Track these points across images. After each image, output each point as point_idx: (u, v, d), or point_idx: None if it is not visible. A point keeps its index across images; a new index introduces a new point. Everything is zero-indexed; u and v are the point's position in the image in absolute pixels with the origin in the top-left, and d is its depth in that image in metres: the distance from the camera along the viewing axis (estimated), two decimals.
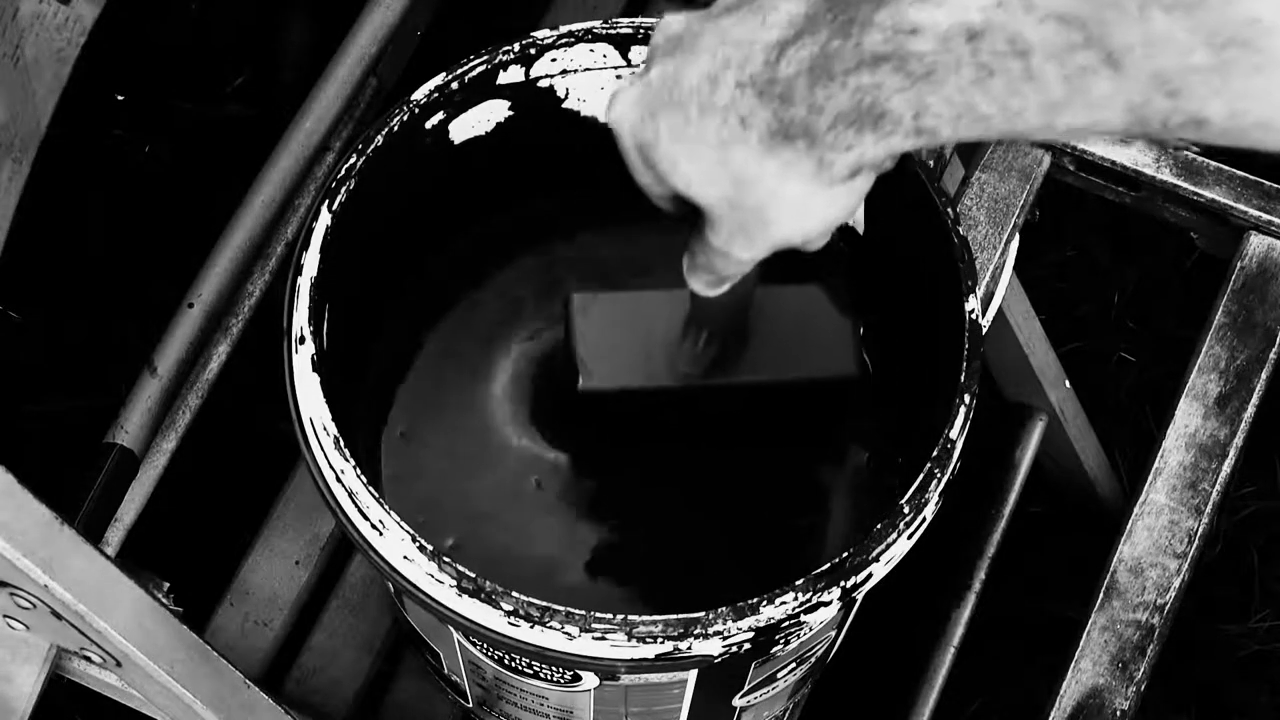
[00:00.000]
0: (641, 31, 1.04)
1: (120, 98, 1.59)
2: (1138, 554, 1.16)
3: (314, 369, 0.96)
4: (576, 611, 0.90)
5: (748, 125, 0.75)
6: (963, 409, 0.97)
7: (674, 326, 1.01)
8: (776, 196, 0.77)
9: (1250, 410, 1.19)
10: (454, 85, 1.03)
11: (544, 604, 0.90)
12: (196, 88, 1.60)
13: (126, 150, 1.58)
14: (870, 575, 0.93)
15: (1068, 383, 1.44)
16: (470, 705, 1.15)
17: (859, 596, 0.94)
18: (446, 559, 0.91)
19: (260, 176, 1.18)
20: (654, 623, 0.90)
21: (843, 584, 0.93)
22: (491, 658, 1.01)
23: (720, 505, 1.07)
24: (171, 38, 1.61)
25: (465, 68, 1.03)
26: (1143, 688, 1.12)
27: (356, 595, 1.20)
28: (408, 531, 0.92)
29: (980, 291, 1.10)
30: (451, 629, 1.00)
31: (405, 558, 0.92)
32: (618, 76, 1.07)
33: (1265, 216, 1.22)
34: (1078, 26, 0.65)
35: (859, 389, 1.06)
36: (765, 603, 0.91)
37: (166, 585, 1.09)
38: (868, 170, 0.76)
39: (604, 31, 1.04)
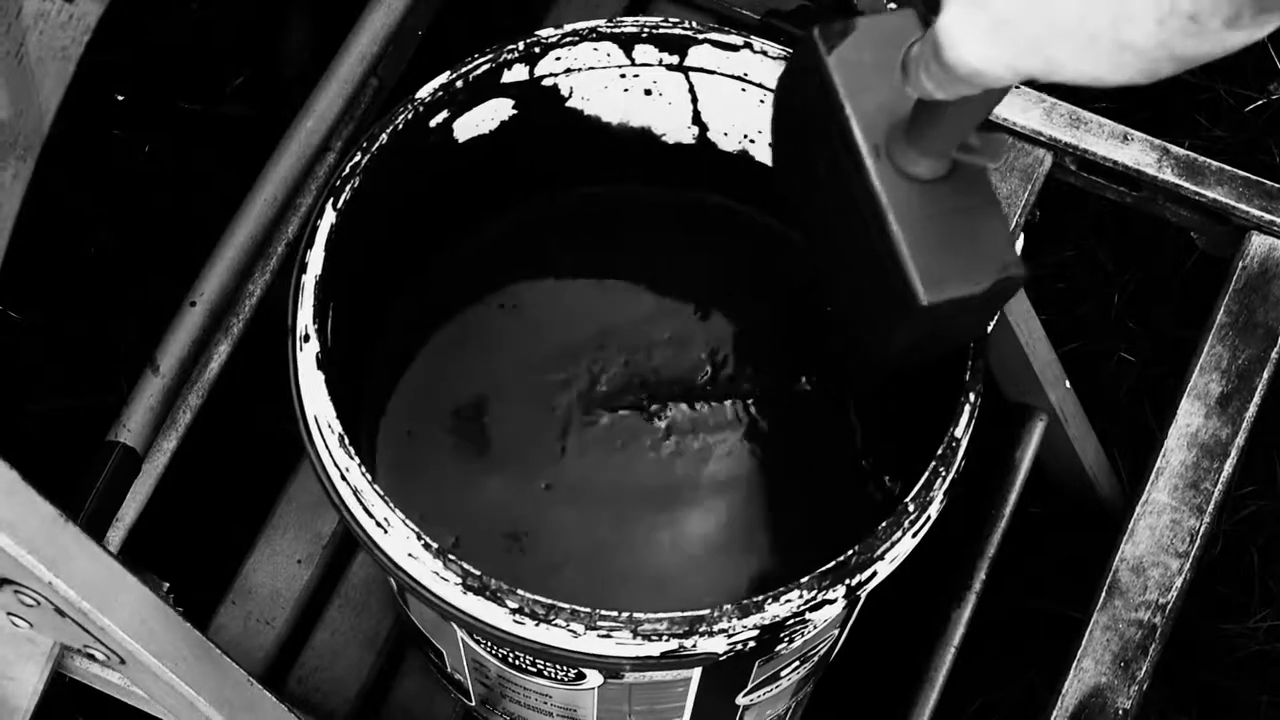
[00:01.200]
0: (645, 31, 1.04)
1: (120, 98, 1.59)
2: (1140, 553, 1.16)
3: (319, 367, 0.96)
4: (582, 609, 0.90)
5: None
6: (967, 408, 0.97)
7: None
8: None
9: (1252, 410, 1.19)
10: (458, 84, 1.03)
11: (549, 601, 0.90)
12: (196, 88, 1.60)
13: (127, 150, 1.58)
14: (875, 573, 0.93)
15: (1068, 383, 1.44)
16: (473, 704, 1.15)
17: (863, 594, 0.94)
18: (452, 556, 0.91)
19: (262, 175, 1.18)
20: (659, 620, 0.90)
21: (847, 582, 0.93)
22: (495, 655, 1.01)
23: (720, 506, 1.07)
24: (171, 38, 1.61)
25: (470, 66, 1.03)
26: (1145, 687, 1.12)
27: (359, 593, 1.20)
28: (412, 529, 0.92)
29: None
30: (455, 626, 1.00)
31: (410, 555, 0.92)
32: (621, 75, 1.07)
33: (1267, 216, 1.22)
34: None
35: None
36: (770, 600, 0.91)
37: (166, 586, 1.09)
38: None
39: (608, 30, 1.05)
